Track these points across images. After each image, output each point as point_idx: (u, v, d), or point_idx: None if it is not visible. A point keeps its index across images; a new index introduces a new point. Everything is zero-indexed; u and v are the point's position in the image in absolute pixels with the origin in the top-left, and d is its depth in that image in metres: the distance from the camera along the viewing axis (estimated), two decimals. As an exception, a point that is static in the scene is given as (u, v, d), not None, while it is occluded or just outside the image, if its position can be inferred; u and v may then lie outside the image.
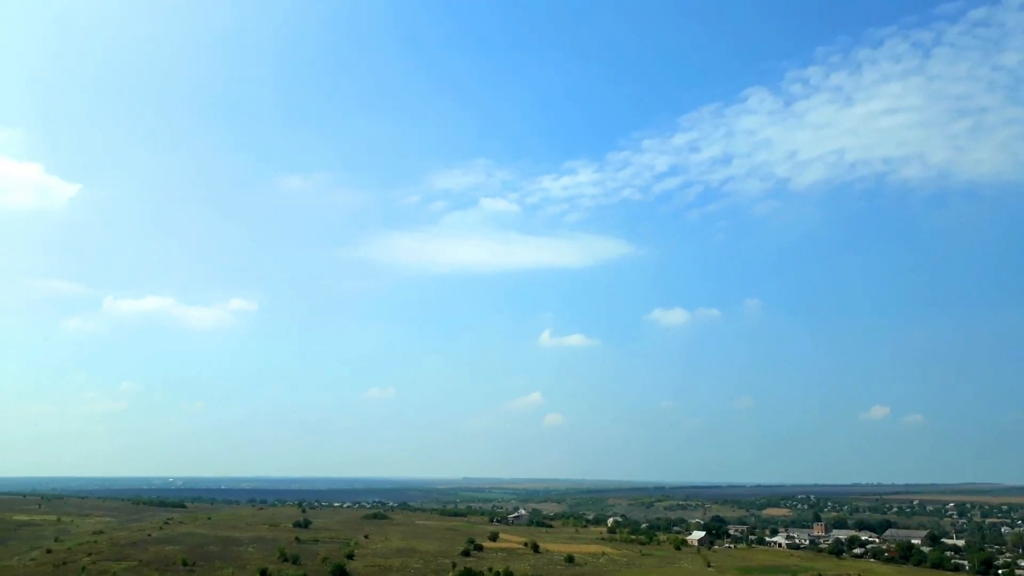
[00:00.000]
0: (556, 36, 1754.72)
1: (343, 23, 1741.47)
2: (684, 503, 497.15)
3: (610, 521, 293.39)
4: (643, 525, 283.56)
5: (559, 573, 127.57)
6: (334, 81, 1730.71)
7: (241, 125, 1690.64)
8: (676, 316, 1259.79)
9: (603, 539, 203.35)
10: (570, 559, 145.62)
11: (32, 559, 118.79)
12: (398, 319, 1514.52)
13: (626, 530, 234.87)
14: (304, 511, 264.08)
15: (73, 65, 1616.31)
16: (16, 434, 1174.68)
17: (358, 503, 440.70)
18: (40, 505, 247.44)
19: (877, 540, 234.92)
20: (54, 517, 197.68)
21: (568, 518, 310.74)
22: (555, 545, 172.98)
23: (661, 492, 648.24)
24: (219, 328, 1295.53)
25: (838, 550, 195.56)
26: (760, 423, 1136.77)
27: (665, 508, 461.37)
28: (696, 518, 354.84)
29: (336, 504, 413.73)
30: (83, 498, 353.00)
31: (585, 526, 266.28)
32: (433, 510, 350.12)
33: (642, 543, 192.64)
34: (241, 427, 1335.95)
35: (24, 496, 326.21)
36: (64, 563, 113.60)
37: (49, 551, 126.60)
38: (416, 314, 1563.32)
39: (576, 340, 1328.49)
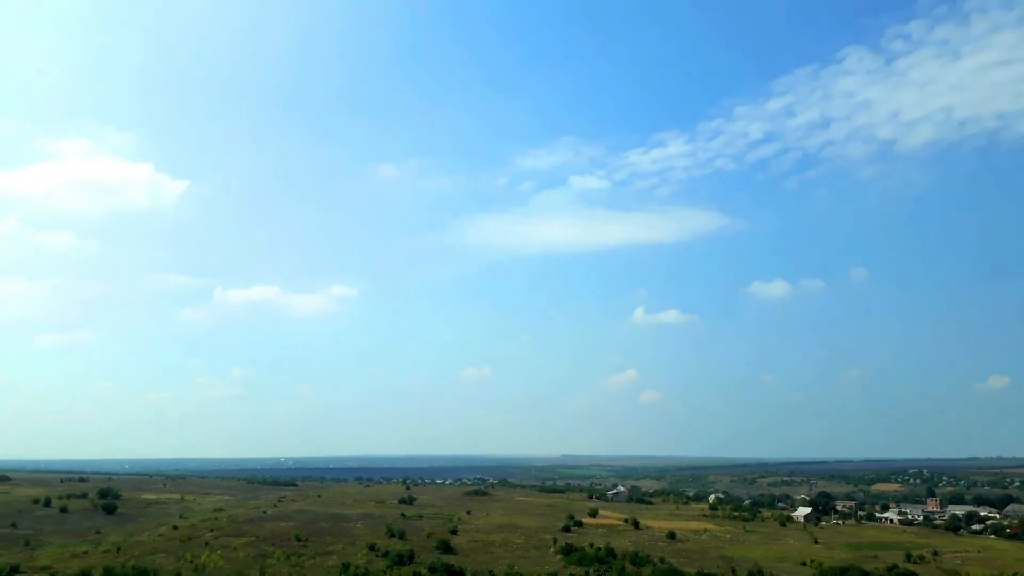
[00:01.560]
0: (637, 6, 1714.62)
1: (425, 12, 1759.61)
2: (788, 479, 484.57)
3: (711, 498, 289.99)
4: (746, 502, 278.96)
5: (660, 549, 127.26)
6: (422, 70, 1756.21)
7: (337, 118, 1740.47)
8: (777, 288, 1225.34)
9: (705, 516, 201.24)
10: (671, 535, 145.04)
11: (160, 535, 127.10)
12: (491, 300, 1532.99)
13: (728, 507, 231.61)
14: (408, 488, 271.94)
15: (177, 68, 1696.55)
16: (140, 419, 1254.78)
17: (459, 480, 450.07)
18: (165, 485, 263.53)
19: (998, 516, 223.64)
20: (178, 496, 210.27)
21: (668, 495, 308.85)
22: (656, 522, 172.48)
23: (764, 468, 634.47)
24: (322, 314, 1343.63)
25: (955, 526, 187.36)
26: (868, 396, 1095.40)
27: (768, 484, 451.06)
28: (801, 494, 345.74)
29: (438, 481, 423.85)
30: (203, 478, 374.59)
31: (686, 503, 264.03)
32: (532, 487, 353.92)
33: (745, 519, 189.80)
34: (346, 408, 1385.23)
35: (150, 476, 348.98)
36: (189, 538, 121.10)
37: (175, 527, 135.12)
38: (509, 295, 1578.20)
39: (672, 316, 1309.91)
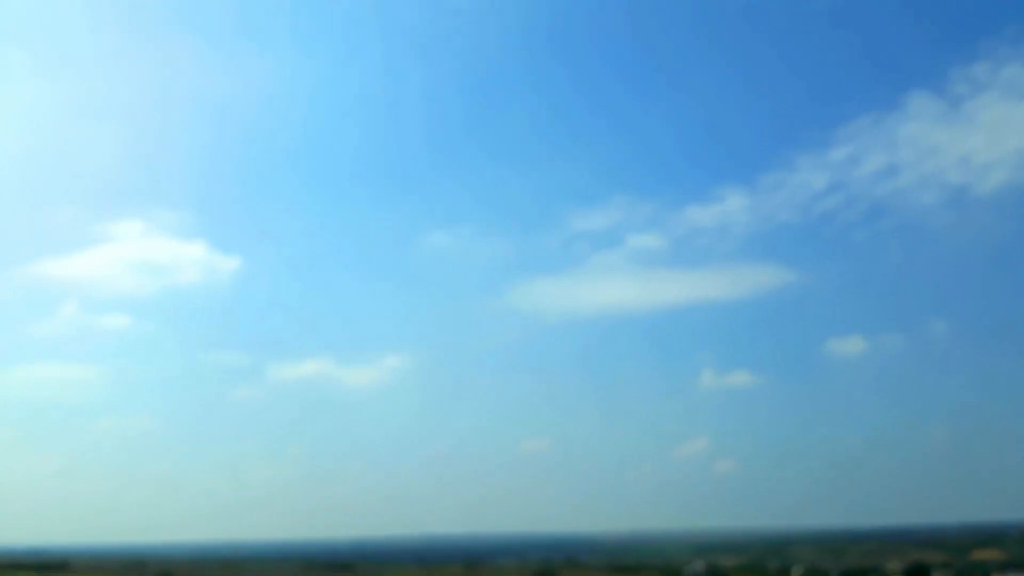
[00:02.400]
0: (690, 59, 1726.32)
1: (468, 76, 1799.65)
2: (878, 548, 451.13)
3: (797, 572, 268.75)
4: (835, 574, 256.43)
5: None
6: (471, 134, 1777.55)
7: (386, 186, 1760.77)
8: (853, 345, 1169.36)
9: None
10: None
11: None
12: (547, 367, 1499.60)
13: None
14: (470, 569, 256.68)
15: (227, 146, 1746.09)
16: (196, 501, 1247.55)
17: (523, 559, 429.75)
18: (222, 569, 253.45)
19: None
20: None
21: (750, 570, 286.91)
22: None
23: (851, 537, 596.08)
24: (376, 386, 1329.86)
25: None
26: (959, 454, 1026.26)
27: (858, 555, 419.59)
28: (894, 564, 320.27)
29: (501, 560, 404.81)
30: (260, 561, 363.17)
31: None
32: (603, 566, 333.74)
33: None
34: (402, 484, 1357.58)
35: (208, 561, 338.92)
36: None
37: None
38: (565, 360, 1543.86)
39: (741, 378, 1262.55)
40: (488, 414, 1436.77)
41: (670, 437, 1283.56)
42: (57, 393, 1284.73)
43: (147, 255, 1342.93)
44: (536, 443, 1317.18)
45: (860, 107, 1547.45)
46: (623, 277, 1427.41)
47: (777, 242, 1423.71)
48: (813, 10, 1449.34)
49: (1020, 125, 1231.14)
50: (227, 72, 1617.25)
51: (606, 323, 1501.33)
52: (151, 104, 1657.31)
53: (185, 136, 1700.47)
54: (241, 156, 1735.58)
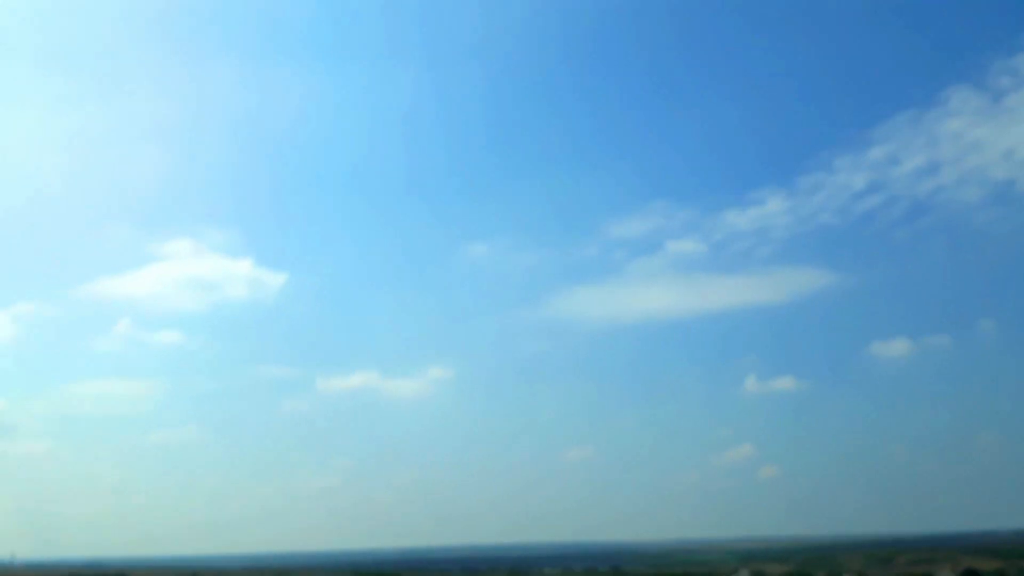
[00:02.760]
0: (726, 62, 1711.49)
1: (510, 88, 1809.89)
2: (929, 556, 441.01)
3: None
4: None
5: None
6: (509, 145, 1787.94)
7: (427, 199, 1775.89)
8: (898, 347, 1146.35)
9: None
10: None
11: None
12: (589, 375, 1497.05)
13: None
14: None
15: (272, 165, 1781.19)
16: (246, 512, 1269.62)
17: (568, 568, 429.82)
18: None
19: None
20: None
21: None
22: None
23: (900, 544, 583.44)
24: (421, 397, 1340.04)
25: None
26: (1010, 458, 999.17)
27: (907, 563, 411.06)
28: (946, 572, 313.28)
29: (546, 570, 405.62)
30: (309, 570, 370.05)
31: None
32: (648, 574, 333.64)
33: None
34: (447, 493, 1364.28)
35: (259, 570, 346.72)
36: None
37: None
38: (606, 368, 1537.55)
39: (786, 383, 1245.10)
40: (531, 423, 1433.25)
41: (713, 444, 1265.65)
42: (112, 407, 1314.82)
43: (197, 273, 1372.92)
44: (579, 452, 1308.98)
45: (898, 104, 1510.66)
46: (663, 283, 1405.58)
47: (817, 244, 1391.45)
48: (848, 7, 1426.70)
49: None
50: (269, 92, 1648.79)
51: (647, 330, 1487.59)
52: (196, 125, 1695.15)
53: (230, 156, 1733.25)
54: (285, 174, 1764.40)
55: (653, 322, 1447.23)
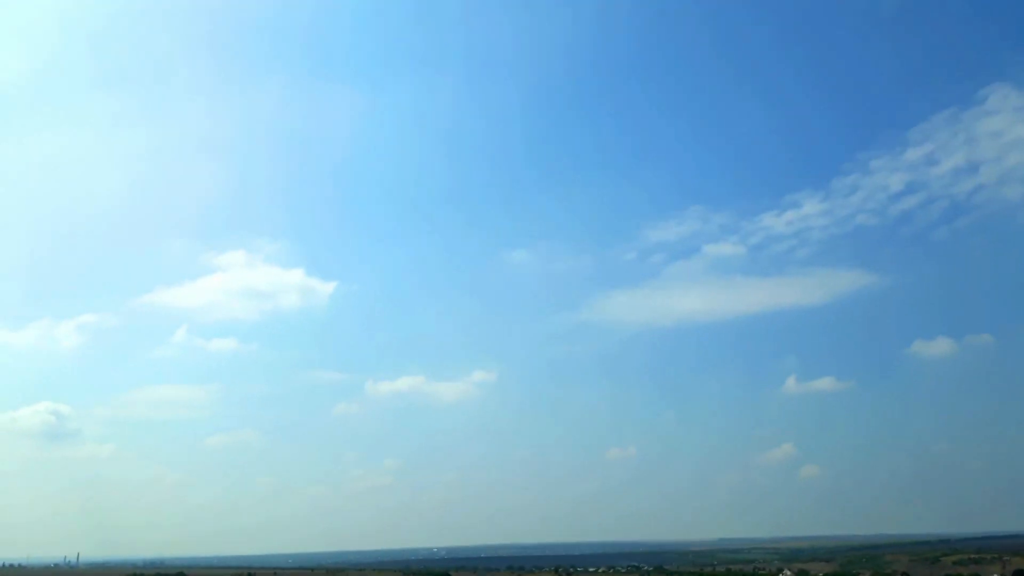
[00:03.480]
0: (761, 66, 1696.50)
1: (547, 98, 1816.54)
2: (977, 556, 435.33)
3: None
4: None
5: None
6: (547, 154, 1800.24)
7: (469, 208, 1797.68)
8: (941, 347, 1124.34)
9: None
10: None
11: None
12: (629, 377, 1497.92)
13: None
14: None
15: (321, 179, 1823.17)
16: (299, 512, 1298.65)
17: (612, 567, 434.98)
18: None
19: None
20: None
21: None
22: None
23: (946, 545, 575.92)
24: (465, 400, 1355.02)
25: None
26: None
27: (954, 563, 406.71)
28: (994, 573, 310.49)
29: (591, 569, 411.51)
30: (361, 569, 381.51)
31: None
32: (691, 573, 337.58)
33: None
34: (493, 494, 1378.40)
35: (311, 570, 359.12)
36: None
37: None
38: (646, 370, 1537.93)
39: (826, 384, 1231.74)
40: (573, 424, 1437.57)
41: (754, 444, 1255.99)
42: (171, 412, 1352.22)
43: (251, 283, 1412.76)
44: (621, 452, 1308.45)
45: (936, 104, 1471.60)
46: (701, 286, 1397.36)
47: (855, 245, 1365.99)
48: (885, 8, 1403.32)
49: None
50: (317, 108, 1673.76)
51: (686, 332, 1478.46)
52: (248, 141, 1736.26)
53: (281, 170, 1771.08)
54: (333, 187, 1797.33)
55: (692, 324, 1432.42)
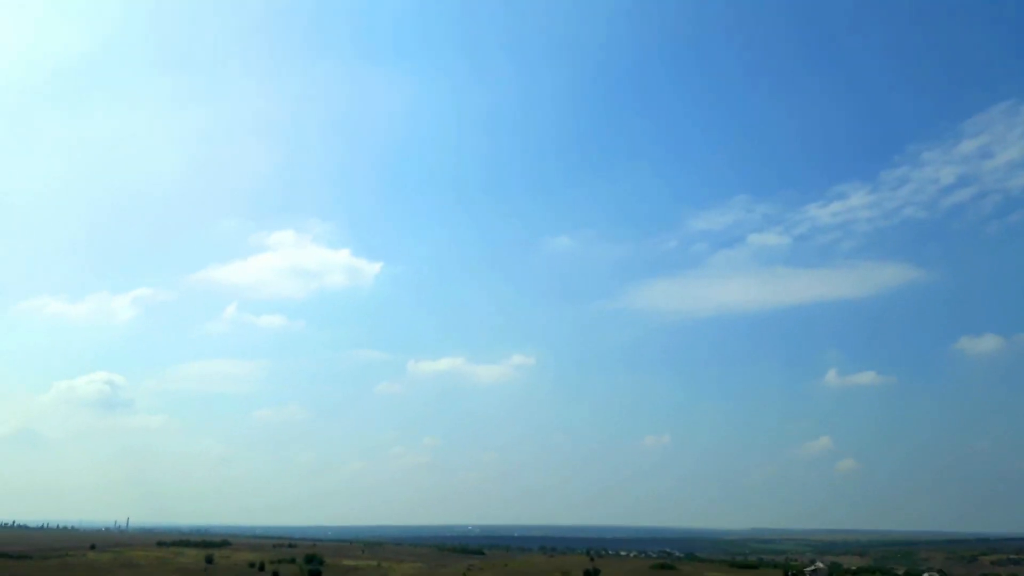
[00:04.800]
0: (809, 56, 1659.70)
1: (593, 87, 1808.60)
2: (1017, 557, 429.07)
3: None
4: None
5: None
6: (592, 142, 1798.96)
7: (513, 194, 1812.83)
8: (988, 344, 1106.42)
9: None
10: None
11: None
12: (667, 365, 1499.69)
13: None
14: (592, 559, 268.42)
15: (369, 162, 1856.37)
16: (340, 487, 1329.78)
17: (643, 552, 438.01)
18: (363, 551, 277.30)
19: None
20: (375, 563, 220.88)
21: (874, 573, 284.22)
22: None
23: (985, 544, 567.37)
24: (504, 383, 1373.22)
25: None
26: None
27: (992, 563, 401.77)
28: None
29: (622, 553, 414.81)
30: (397, 544, 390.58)
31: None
32: (722, 561, 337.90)
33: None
34: (528, 476, 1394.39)
35: (350, 543, 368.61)
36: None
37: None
38: (685, 359, 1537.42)
39: (867, 378, 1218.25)
40: (609, 410, 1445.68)
41: (791, 436, 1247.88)
42: (220, 386, 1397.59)
43: (299, 262, 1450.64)
44: (657, 440, 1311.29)
45: (994, 96, 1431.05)
46: (743, 276, 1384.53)
47: (902, 239, 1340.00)
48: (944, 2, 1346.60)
49: None
50: (364, 93, 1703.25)
51: (726, 322, 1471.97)
52: (298, 124, 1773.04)
53: (330, 153, 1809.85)
54: (380, 170, 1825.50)
55: (733, 314, 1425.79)
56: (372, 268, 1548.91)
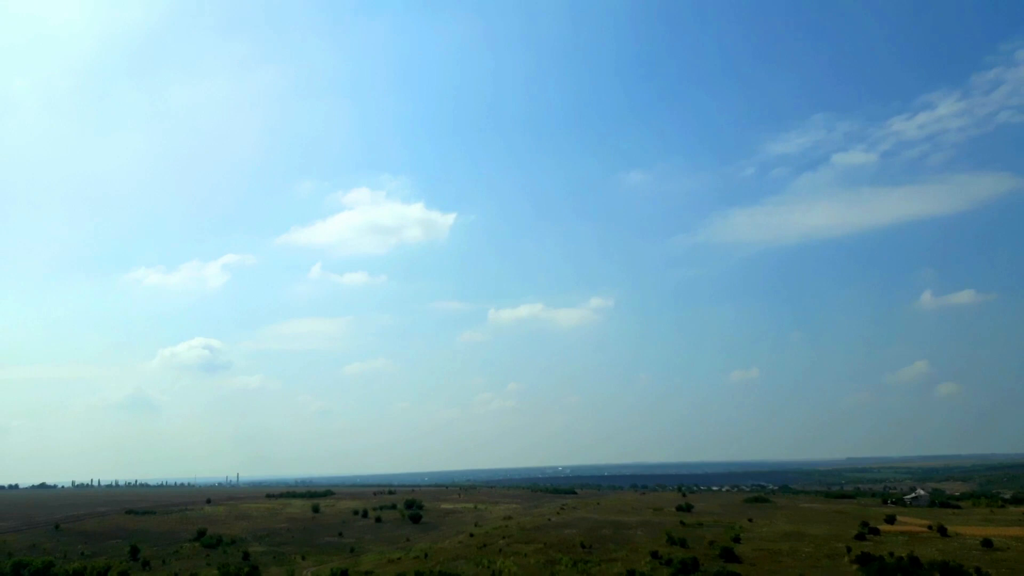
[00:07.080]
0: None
1: (659, 13, 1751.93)
2: None
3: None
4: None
5: (975, 559, 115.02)
6: (662, 68, 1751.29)
7: (584, 130, 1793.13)
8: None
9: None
10: (987, 543, 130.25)
11: (459, 542, 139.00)
12: (751, 297, 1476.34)
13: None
14: (684, 495, 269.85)
15: (436, 114, 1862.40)
16: (433, 434, 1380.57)
17: (736, 487, 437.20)
18: (459, 495, 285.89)
19: None
20: (471, 505, 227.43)
21: (979, 497, 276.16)
22: (966, 528, 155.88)
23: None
24: (584, 326, 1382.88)
25: None
26: None
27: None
28: None
29: (714, 488, 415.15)
30: (491, 487, 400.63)
31: (1002, 506, 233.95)
32: (817, 492, 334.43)
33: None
34: (614, 416, 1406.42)
35: (446, 487, 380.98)
36: (484, 545, 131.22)
37: (471, 535, 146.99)
38: (769, 290, 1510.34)
39: (966, 297, 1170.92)
40: (693, 348, 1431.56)
41: (885, 362, 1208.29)
42: (311, 343, 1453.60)
43: (375, 218, 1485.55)
44: (744, 374, 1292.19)
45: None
46: (827, 199, 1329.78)
47: (998, 147, 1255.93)
48: None
49: None
50: (426, 41, 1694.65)
51: (812, 249, 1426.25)
52: (362, 80, 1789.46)
53: (395, 106, 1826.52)
54: (447, 119, 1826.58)
55: (818, 240, 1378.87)
56: (446, 220, 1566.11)
